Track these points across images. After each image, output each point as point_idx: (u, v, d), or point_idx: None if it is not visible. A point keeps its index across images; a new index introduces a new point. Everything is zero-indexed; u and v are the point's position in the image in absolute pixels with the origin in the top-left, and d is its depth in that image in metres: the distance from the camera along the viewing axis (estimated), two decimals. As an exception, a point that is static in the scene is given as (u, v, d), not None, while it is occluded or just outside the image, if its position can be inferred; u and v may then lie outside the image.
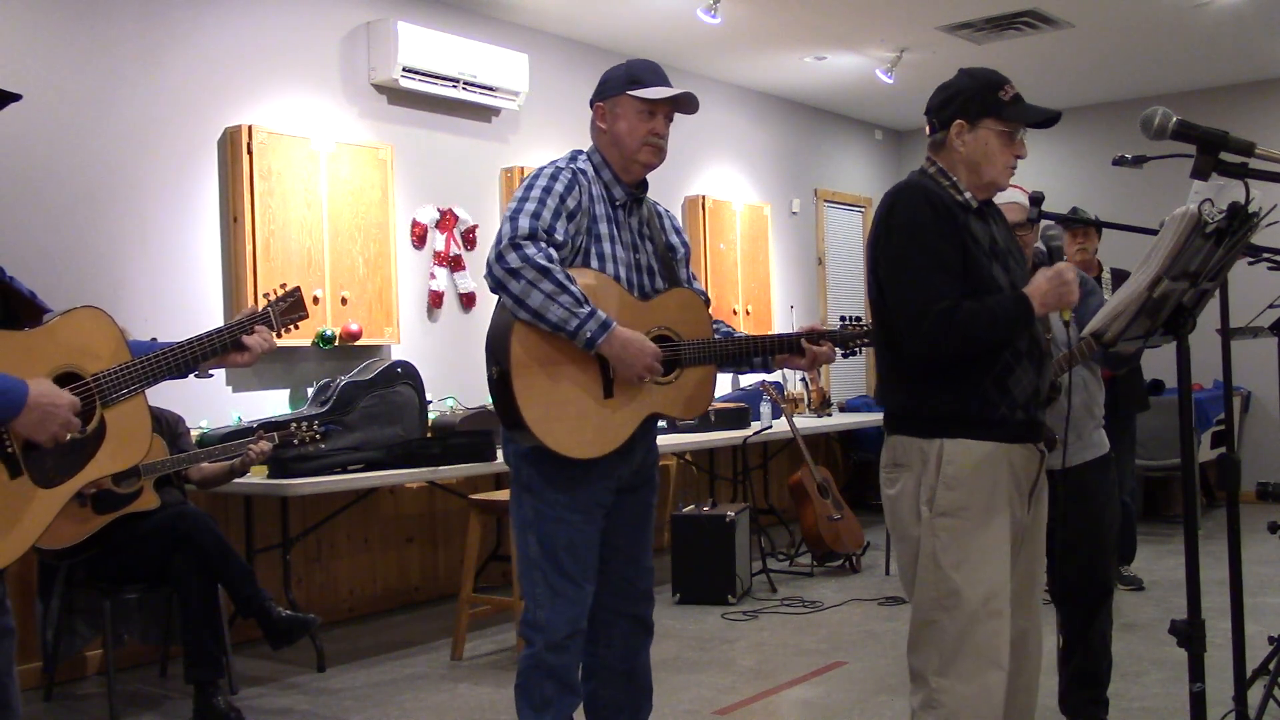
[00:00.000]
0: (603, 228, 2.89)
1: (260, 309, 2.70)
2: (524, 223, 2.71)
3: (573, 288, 2.69)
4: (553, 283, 2.66)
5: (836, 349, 3.04)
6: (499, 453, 4.03)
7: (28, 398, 2.22)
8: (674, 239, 3.12)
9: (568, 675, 2.88)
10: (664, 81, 2.97)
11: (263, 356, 2.64)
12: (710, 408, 3.20)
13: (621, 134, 2.93)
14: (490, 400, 2.84)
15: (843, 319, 3.12)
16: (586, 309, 2.69)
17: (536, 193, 2.78)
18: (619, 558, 3.01)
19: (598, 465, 2.84)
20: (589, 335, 2.70)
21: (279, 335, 2.72)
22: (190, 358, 2.51)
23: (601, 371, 2.81)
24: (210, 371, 2.64)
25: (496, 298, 2.78)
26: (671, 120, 2.99)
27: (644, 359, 2.78)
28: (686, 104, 2.96)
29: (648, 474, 3.06)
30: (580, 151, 3.01)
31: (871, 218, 10.85)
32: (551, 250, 2.72)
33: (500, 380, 2.75)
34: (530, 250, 2.67)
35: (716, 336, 3.03)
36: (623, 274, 2.91)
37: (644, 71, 2.96)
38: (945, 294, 2.56)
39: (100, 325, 2.44)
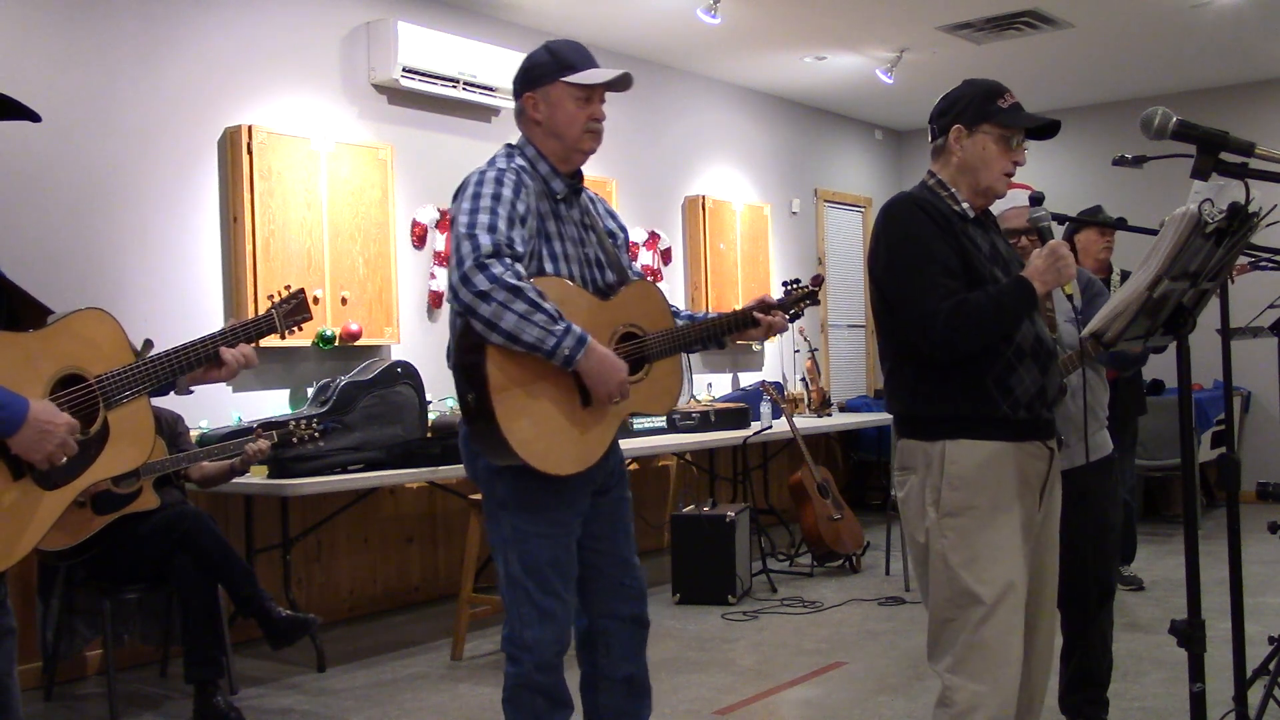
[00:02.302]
0: (550, 226, 2.79)
1: (264, 311, 2.71)
2: (484, 239, 2.58)
3: (546, 305, 2.57)
4: (526, 302, 2.54)
5: (786, 315, 3.02)
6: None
7: (27, 416, 2.20)
8: (611, 224, 3.02)
9: (557, 690, 2.82)
10: (593, 62, 2.84)
11: (240, 373, 2.57)
12: (691, 401, 3.17)
13: (561, 124, 2.80)
14: (467, 423, 2.73)
15: (784, 284, 3.11)
16: (562, 325, 2.57)
17: (487, 201, 2.65)
18: (607, 561, 2.94)
19: (576, 475, 2.75)
20: (567, 353, 2.58)
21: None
22: (194, 359, 2.50)
23: (577, 380, 2.70)
24: (190, 389, 2.59)
25: (456, 311, 2.65)
26: (604, 101, 2.84)
27: (616, 378, 2.68)
28: (622, 83, 2.82)
29: (620, 473, 2.99)
30: (513, 146, 2.88)
31: (871, 218, 10.87)
32: (518, 266, 2.59)
33: (479, 406, 2.62)
34: (497, 269, 2.54)
35: (678, 323, 2.97)
36: (575, 272, 2.81)
37: (573, 55, 2.81)
38: (948, 294, 2.58)
39: (104, 326, 2.43)
